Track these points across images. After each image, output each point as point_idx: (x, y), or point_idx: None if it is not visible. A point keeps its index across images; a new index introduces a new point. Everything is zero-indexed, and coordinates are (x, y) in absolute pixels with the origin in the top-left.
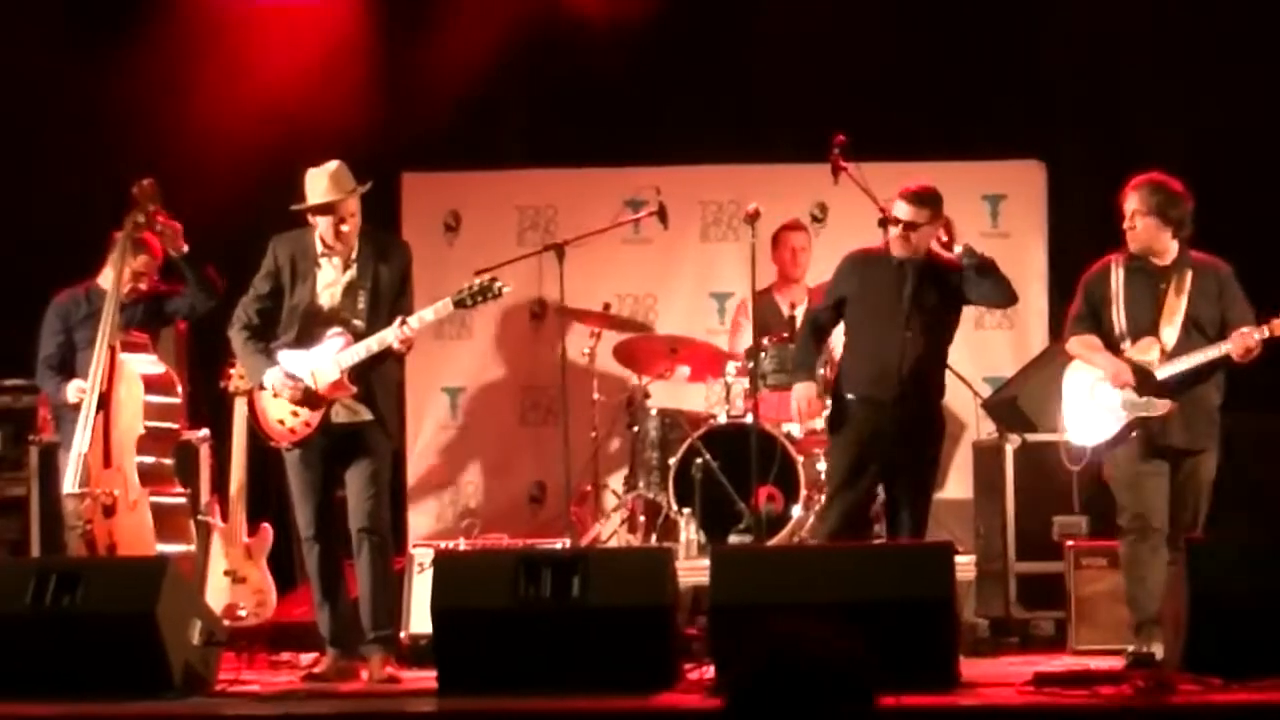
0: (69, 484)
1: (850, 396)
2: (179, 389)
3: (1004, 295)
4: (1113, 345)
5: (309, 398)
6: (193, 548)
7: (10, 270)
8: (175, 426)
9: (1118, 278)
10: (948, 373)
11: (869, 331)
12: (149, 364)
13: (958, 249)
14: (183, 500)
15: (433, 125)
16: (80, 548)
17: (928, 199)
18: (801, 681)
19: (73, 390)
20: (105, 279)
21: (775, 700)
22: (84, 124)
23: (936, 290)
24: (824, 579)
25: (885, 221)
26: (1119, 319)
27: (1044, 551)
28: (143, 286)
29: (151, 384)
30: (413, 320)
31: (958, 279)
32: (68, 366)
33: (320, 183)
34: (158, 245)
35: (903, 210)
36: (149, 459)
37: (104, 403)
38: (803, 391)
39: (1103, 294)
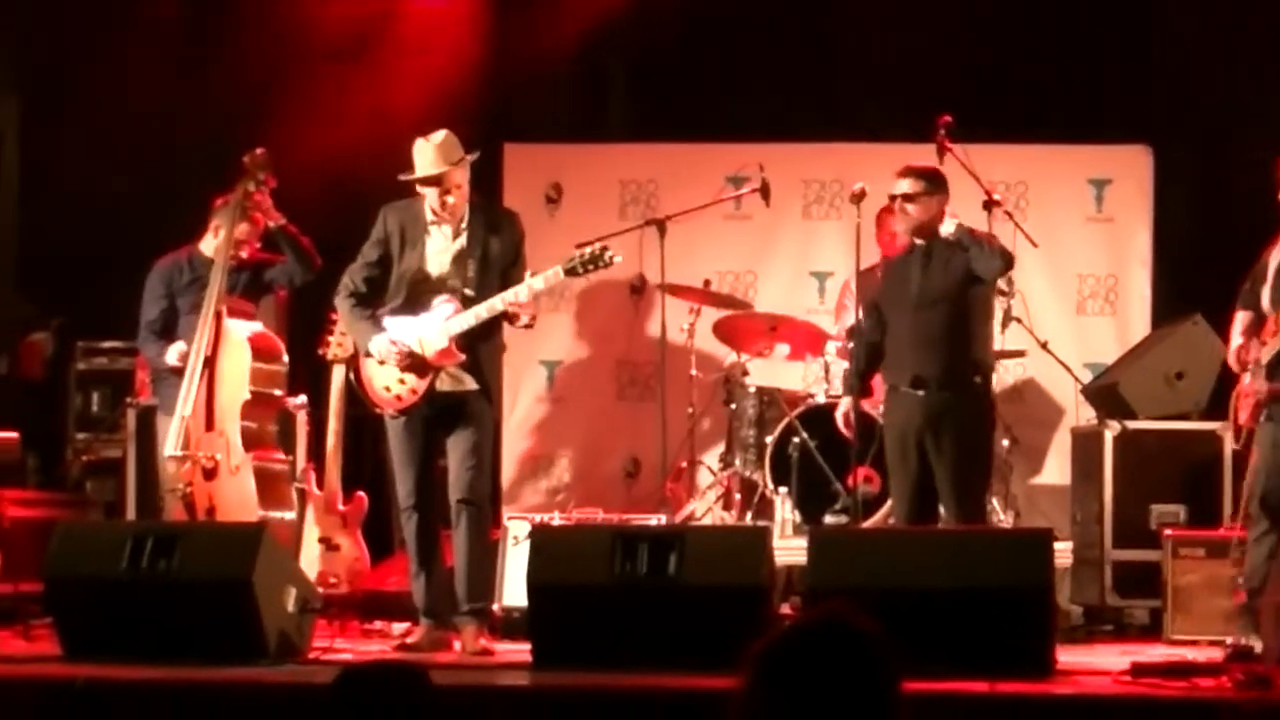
0: (170, 446)
1: (888, 386)
2: (284, 356)
3: (989, 265)
4: (1262, 320)
5: (416, 365)
6: (293, 515)
7: (108, 235)
8: (279, 393)
9: (1276, 253)
10: (1047, 357)
11: (892, 320)
12: (256, 330)
13: (949, 226)
14: (285, 467)
15: (536, 96)
16: (179, 511)
17: (924, 173)
18: (821, 660)
19: (174, 354)
20: (207, 245)
21: (795, 679)
22: (186, 91)
23: (948, 270)
24: (921, 563)
25: (989, 204)
26: (1265, 295)
27: (1141, 539)
28: (244, 254)
29: (258, 350)
30: (521, 289)
31: (964, 258)
32: (170, 331)
33: (427, 154)
34: (259, 215)
35: (897, 185)
36: (253, 424)
37: (208, 367)
38: (840, 409)
39: (1263, 269)
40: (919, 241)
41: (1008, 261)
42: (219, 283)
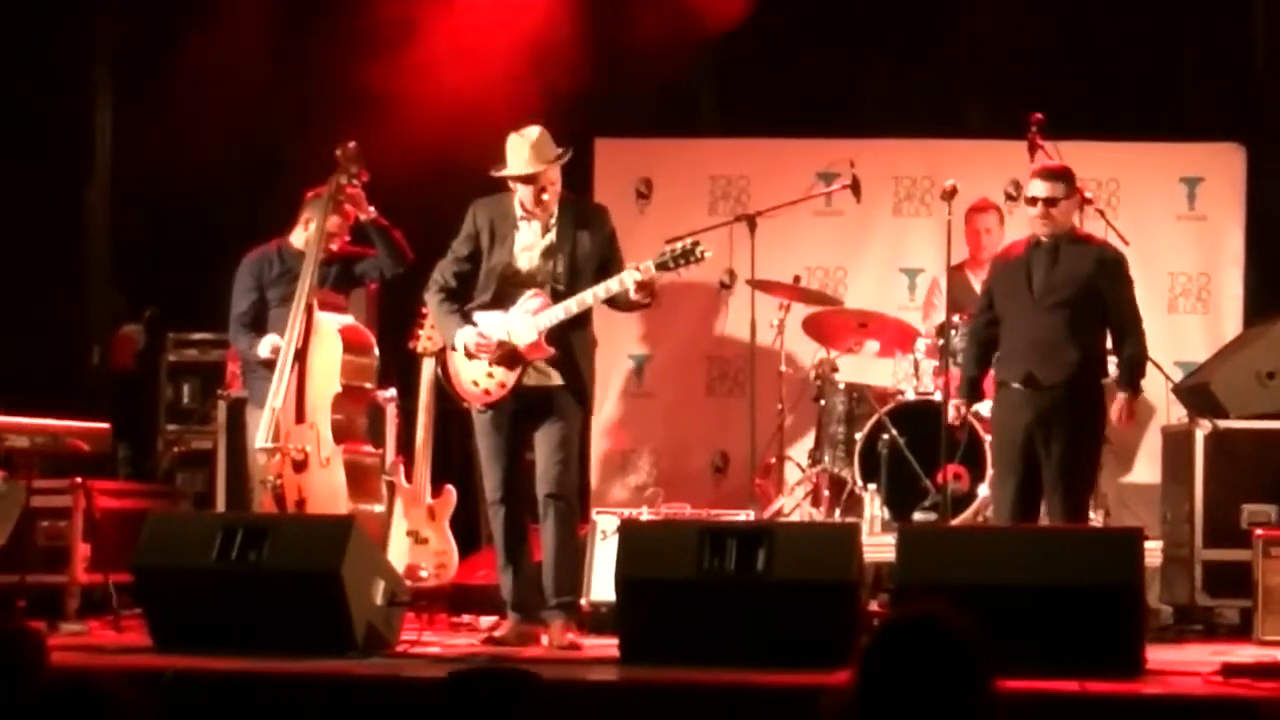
0: (260, 438)
1: (1000, 382)
2: (375, 350)
3: None
4: None
5: (505, 359)
6: (382, 508)
7: (199, 228)
8: (370, 386)
9: None
10: None
11: (1009, 317)
12: (347, 323)
13: None
14: (374, 460)
15: (628, 91)
16: (268, 502)
17: (1061, 174)
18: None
19: (266, 346)
20: (297, 238)
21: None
22: (278, 84)
23: (1070, 271)
24: (1011, 561)
25: (1081, 202)
26: None
27: (1232, 539)
28: (334, 247)
29: (349, 343)
30: (611, 283)
31: (1095, 257)
32: (260, 324)
33: (522, 152)
34: (350, 208)
35: (1039, 188)
36: (343, 417)
37: (300, 359)
38: (951, 410)
39: None
40: (1042, 239)
41: None
42: (310, 275)
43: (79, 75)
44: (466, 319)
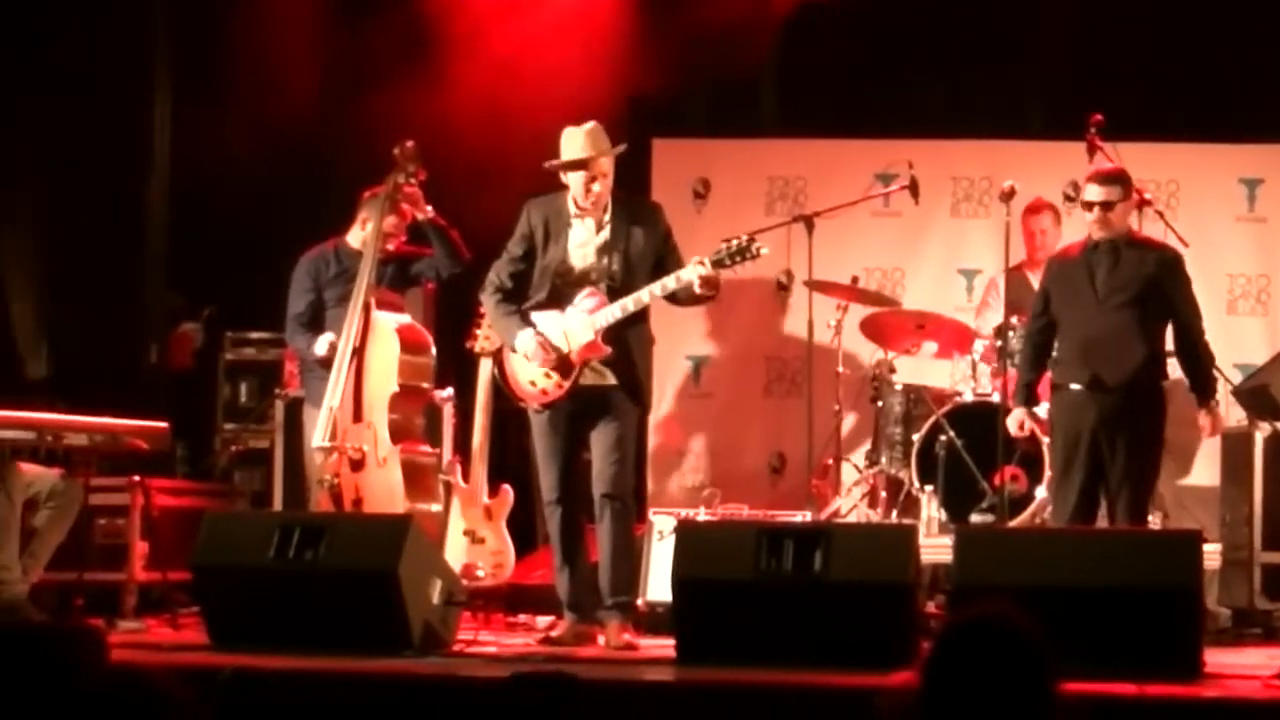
0: (318, 437)
1: (1058, 384)
2: (432, 349)
3: None
4: None
5: (561, 359)
6: (439, 507)
7: (257, 227)
8: (427, 385)
9: None
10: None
11: (1069, 318)
12: (404, 322)
13: None
14: (432, 459)
15: (685, 92)
16: (325, 502)
17: (1117, 177)
18: (990, 659)
19: (323, 344)
20: (354, 237)
21: (965, 677)
22: (335, 83)
23: (1133, 271)
24: (1068, 563)
25: (1140, 203)
26: None
27: None
28: (390, 247)
29: (407, 342)
30: (669, 280)
31: (1156, 259)
32: (317, 323)
33: (576, 140)
34: (407, 207)
35: (1095, 192)
36: (400, 416)
37: (357, 359)
38: (1012, 418)
39: None
40: (1100, 240)
41: None
42: (368, 275)
43: (137, 70)
44: (525, 320)
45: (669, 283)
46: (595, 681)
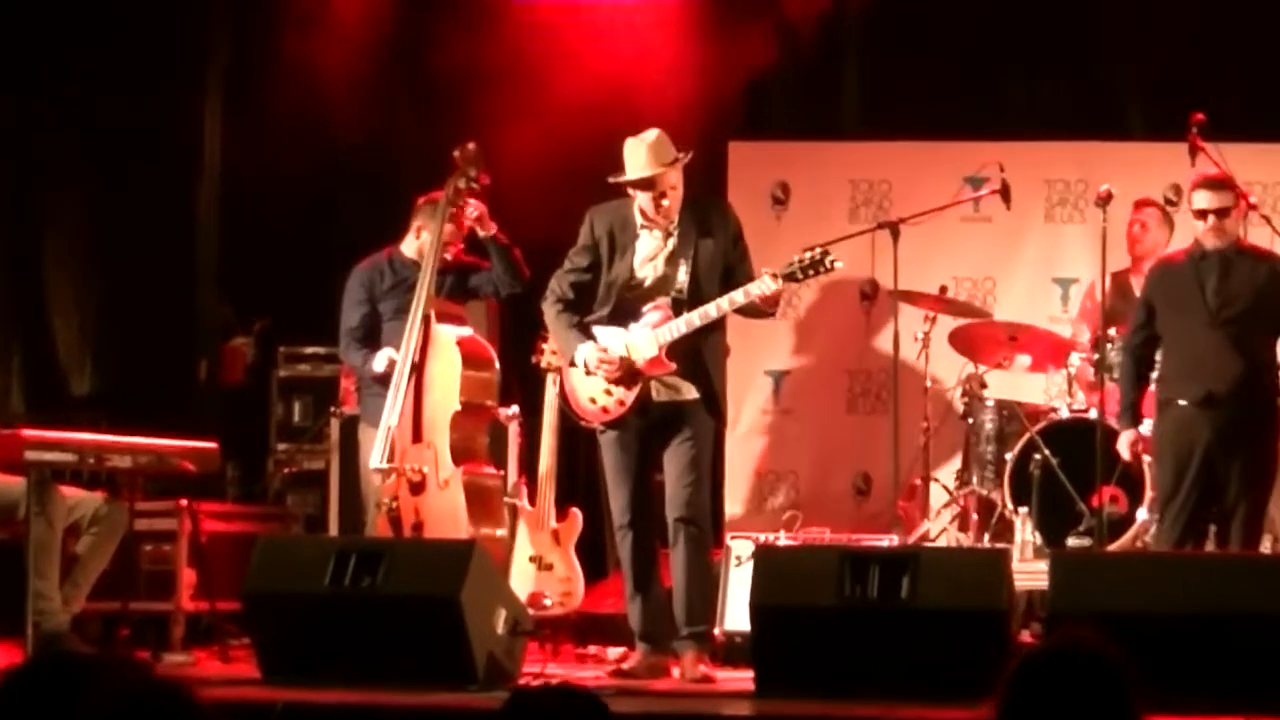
0: (375, 458)
1: (1166, 400)
2: (495, 364)
3: None
4: None
5: (625, 375)
6: (504, 532)
7: (312, 237)
8: (491, 403)
9: None
10: None
11: (1176, 331)
12: (466, 336)
13: None
14: (497, 482)
15: (763, 92)
16: (384, 526)
17: (1227, 182)
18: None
19: (382, 360)
20: (408, 247)
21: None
22: (392, 88)
23: (1244, 282)
24: (1172, 588)
25: (1245, 207)
26: None
27: None
28: (448, 256)
29: (469, 357)
30: (737, 295)
31: (1268, 270)
32: (373, 338)
33: (639, 155)
34: (463, 217)
35: (1207, 199)
36: (463, 436)
37: (416, 375)
38: (1124, 442)
39: None
40: (1208, 250)
41: None
42: (427, 284)
43: (187, 72)
44: (585, 333)
45: (737, 297)
46: (670, 715)
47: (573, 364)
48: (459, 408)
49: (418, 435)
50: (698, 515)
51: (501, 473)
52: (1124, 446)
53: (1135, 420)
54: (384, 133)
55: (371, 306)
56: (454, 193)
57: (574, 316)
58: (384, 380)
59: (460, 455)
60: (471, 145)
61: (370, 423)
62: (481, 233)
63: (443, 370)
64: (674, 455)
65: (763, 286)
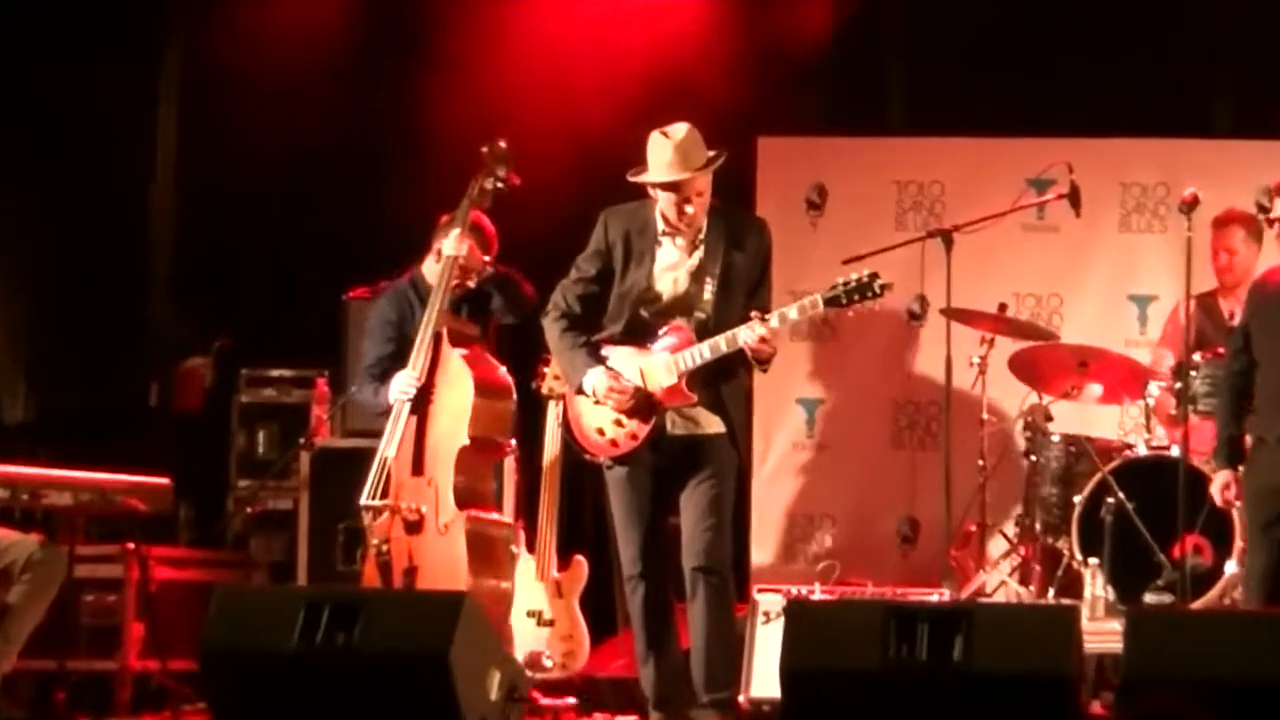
0: (366, 493)
1: (1257, 439)
2: (513, 394)
3: None
4: None
5: (639, 405)
6: (509, 585)
7: (280, 243)
8: (503, 439)
9: None
10: None
11: (1270, 359)
12: (482, 361)
13: None
14: (504, 532)
15: (797, 81)
16: (372, 573)
17: None
18: None
19: (398, 386)
20: (429, 268)
21: None
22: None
23: None
24: (1264, 652)
25: None
26: None
27: None
28: (471, 284)
29: (483, 384)
30: (773, 318)
31: None
32: (389, 376)
33: (664, 154)
34: (490, 229)
35: None
36: (469, 476)
37: (422, 400)
38: (1218, 484)
39: None
40: None
41: None
42: (440, 298)
43: (137, 57)
44: (594, 354)
45: (720, 344)
46: None
47: (579, 391)
48: (468, 442)
49: (418, 468)
50: (719, 564)
51: (511, 523)
52: (1217, 490)
53: (1233, 459)
54: (363, 123)
55: (399, 344)
56: (478, 193)
57: (580, 335)
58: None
59: (465, 497)
60: (502, 142)
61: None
62: (471, 285)
63: (452, 397)
64: (692, 495)
65: (749, 334)
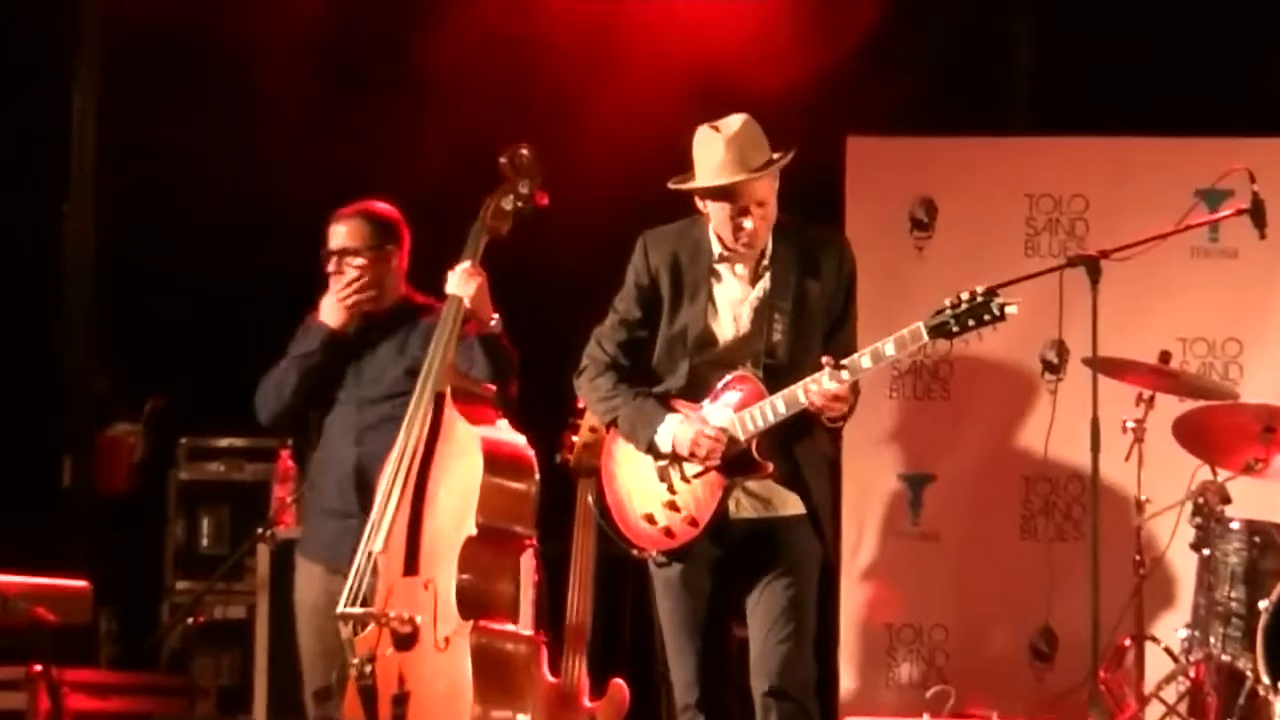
0: (344, 599)
1: None
2: (535, 474)
3: None
4: None
5: (737, 462)
6: (527, 718)
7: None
8: (523, 530)
9: None
10: None
11: None
12: (497, 428)
13: None
14: (524, 648)
15: (896, 71)
16: (353, 703)
17: None
18: None
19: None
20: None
21: None
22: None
23: None
24: None
25: None
26: None
27: None
28: (494, 320)
29: (496, 458)
30: (852, 362)
31: None
32: None
33: (715, 152)
34: (390, 213)
35: None
36: (478, 575)
37: (418, 480)
38: None
39: None
40: None
41: None
42: (444, 346)
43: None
44: (664, 403)
45: (793, 399)
46: None
47: (651, 450)
48: (475, 532)
49: (412, 567)
50: (797, 687)
51: (532, 637)
52: None
53: None
54: (328, 126)
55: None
56: (493, 214)
57: (637, 386)
58: None
59: (472, 603)
60: (525, 150)
61: (313, 556)
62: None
63: (457, 476)
64: (764, 599)
65: (815, 387)
